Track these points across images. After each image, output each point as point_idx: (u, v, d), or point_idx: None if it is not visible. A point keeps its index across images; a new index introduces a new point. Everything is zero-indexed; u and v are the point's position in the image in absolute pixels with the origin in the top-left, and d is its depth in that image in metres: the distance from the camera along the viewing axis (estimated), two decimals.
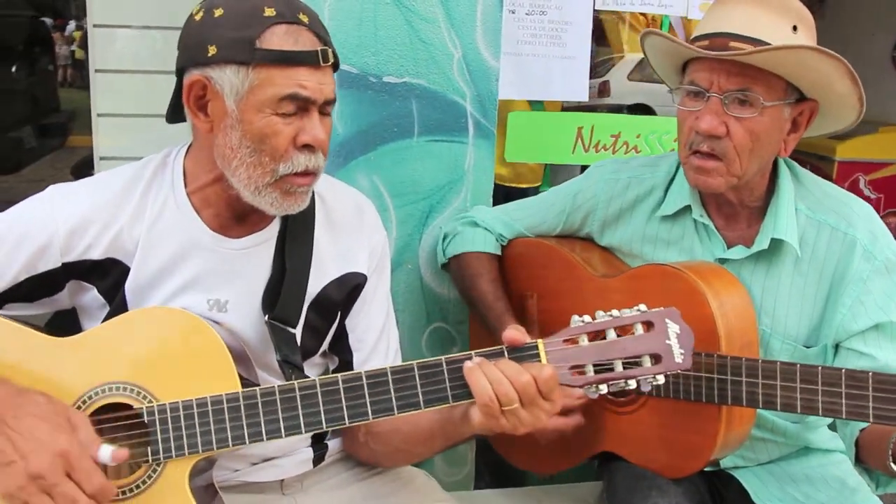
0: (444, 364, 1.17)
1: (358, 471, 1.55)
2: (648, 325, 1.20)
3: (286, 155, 1.24)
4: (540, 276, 1.77)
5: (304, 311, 1.38)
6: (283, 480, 1.47)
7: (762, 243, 1.51)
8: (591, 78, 2.45)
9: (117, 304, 1.30)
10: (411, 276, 2.06)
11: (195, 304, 1.30)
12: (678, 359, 1.19)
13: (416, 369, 1.17)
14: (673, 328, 1.20)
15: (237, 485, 1.42)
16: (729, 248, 1.57)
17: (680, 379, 1.47)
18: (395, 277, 2.05)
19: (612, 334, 1.19)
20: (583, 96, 2.40)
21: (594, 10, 2.33)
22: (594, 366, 1.18)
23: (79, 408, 1.21)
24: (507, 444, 1.89)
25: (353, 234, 1.45)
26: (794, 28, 1.41)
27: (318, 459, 1.50)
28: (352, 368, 1.45)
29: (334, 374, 1.21)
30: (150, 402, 1.21)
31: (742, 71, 1.39)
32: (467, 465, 2.24)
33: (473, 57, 1.97)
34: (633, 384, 1.19)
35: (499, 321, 1.71)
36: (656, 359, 1.19)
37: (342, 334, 1.47)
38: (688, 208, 1.60)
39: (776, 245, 1.51)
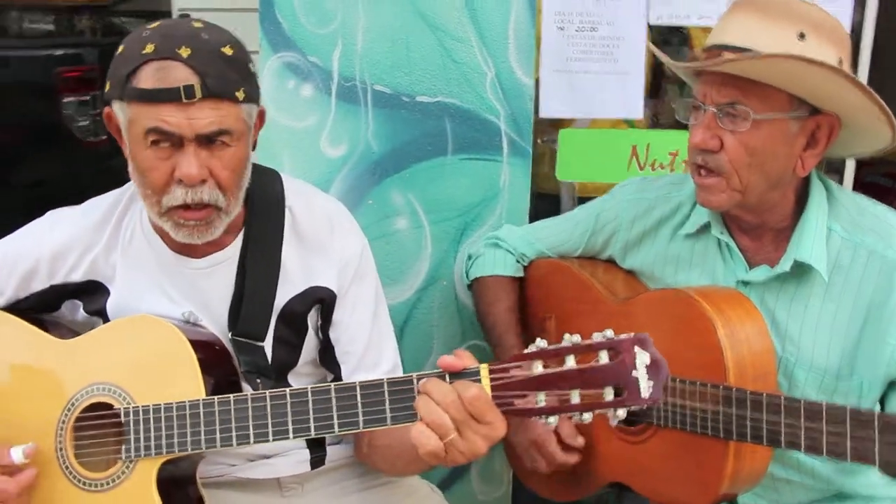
0: (385, 385, 1.16)
1: (362, 479, 1.58)
2: (614, 352, 1.09)
3: (166, 189, 1.27)
4: (559, 299, 1.74)
5: (272, 325, 1.42)
6: (279, 480, 1.51)
7: (784, 266, 1.42)
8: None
9: (104, 321, 1.42)
10: (446, 293, 2.07)
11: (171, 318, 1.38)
12: (644, 393, 1.07)
13: (358, 388, 1.17)
14: (642, 358, 1.07)
15: (234, 481, 1.49)
16: (752, 269, 1.48)
17: (687, 410, 1.40)
18: (430, 294, 2.08)
19: (570, 361, 1.10)
20: (637, 113, 2.33)
21: (648, 26, 2.27)
22: (546, 395, 1.09)
23: (73, 404, 1.32)
24: (523, 469, 1.86)
25: (320, 249, 1.46)
26: (802, 35, 1.31)
27: (316, 462, 1.53)
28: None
29: (304, 387, 1.23)
30: (129, 402, 1.29)
31: (732, 83, 1.33)
32: (504, 485, 2.21)
33: (507, 76, 1.97)
34: (587, 417, 1.09)
35: (504, 355, 1.69)
36: (619, 391, 1.08)
37: (328, 346, 1.49)
38: (708, 225, 1.53)
39: (802, 268, 1.42)
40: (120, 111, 1.28)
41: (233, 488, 1.49)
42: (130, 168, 1.32)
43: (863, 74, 2.43)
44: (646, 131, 2.38)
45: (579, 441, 1.59)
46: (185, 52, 1.23)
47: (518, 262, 1.81)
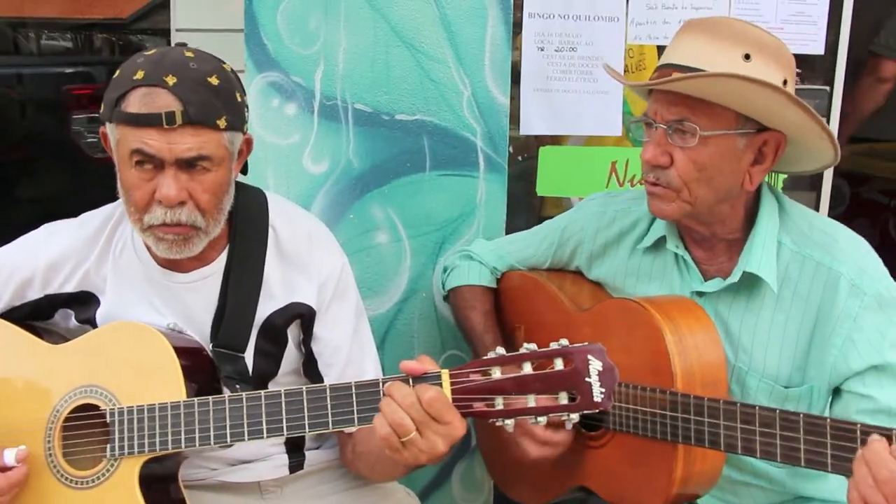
0: (353, 388, 1.23)
1: (340, 483, 1.64)
2: (568, 360, 1.18)
3: (148, 207, 1.35)
4: (527, 310, 1.81)
5: (253, 338, 1.50)
6: (259, 483, 1.58)
7: (735, 277, 1.48)
8: None
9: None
10: (425, 305, 2.14)
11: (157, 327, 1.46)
12: (597, 397, 1.16)
13: (327, 391, 1.24)
14: (595, 365, 1.17)
15: (216, 484, 1.56)
16: (707, 280, 1.54)
17: (639, 414, 1.46)
18: (410, 306, 2.14)
19: (528, 367, 1.18)
20: (616, 131, 2.40)
21: (626, 45, 2.34)
22: (504, 398, 1.17)
23: (62, 406, 1.40)
24: (499, 473, 1.92)
25: (300, 267, 1.54)
26: (747, 56, 1.37)
27: (295, 467, 1.60)
28: None
29: (277, 389, 1.31)
30: (114, 404, 1.36)
31: (681, 101, 1.39)
32: (484, 493, 2.27)
33: (483, 95, 2.05)
34: (542, 420, 1.17)
35: (484, 355, 1.74)
36: (572, 396, 1.17)
37: (311, 360, 1.56)
38: (664, 239, 1.59)
39: (753, 280, 1.47)
40: (110, 132, 1.37)
41: (214, 491, 1.56)
42: (119, 185, 1.41)
43: (837, 94, 2.50)
44: (625, 148, 2.44)
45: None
46: (171, 80, 1.31)
47: (491, 273, 1.88)
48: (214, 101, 1.34)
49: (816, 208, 2.70)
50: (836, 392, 1.44)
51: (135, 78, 1.32)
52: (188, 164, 1.34)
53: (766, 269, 1.46)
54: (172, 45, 1.45)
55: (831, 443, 1.22)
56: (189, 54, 1.37)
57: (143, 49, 1.42)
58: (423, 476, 2.23)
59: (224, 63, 1.41)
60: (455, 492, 2.26)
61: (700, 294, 1.54)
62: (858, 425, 1.20)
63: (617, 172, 2.39)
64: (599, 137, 2.47)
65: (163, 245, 1.39)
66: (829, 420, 1.23)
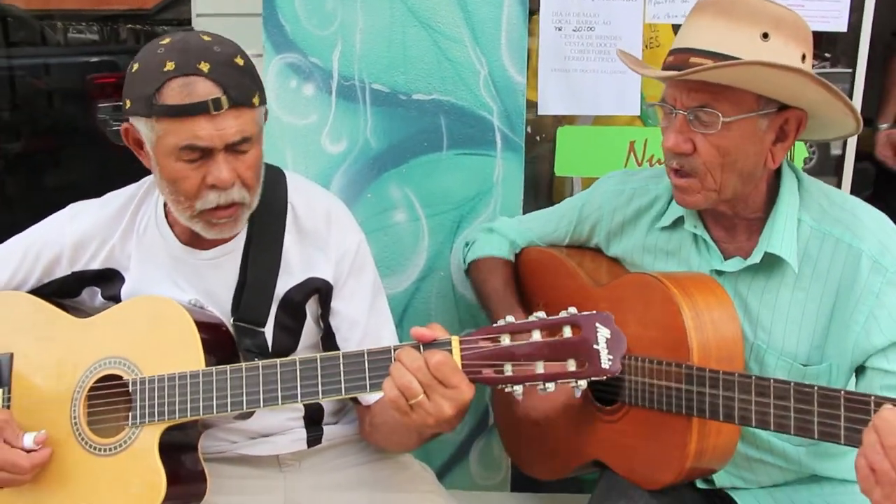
0: (365, 355, 1.26)
1: (357, 457, 1.67)
2: (577, 328, 1.19)
3: (199, 194, 1.37)
4: (546, 285, 1.81)
5: (273, 312, 1.52)
6: (278, 457, 1.61)
7: (755, 258, 1.47)
8: None
9: None
10: (443, 284, 2.16)
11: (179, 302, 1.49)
12: (605, 364, 1.17)
13: (340, 358, 1.27)
14: (603, 332, 1.18)
15: (235, 457, 1.59)
16: (726, 260, 1.53)
17: (654, 388, 1.46)
18: (428, 285, 2.16)
19: (537, 335, 1.19)
20: (634, 111, 2.38)
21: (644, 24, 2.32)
22: (513, 365, 1.19)
23: (87, 376, 1.44)
24: (515, 449, 1.94)
25: (318, 243, 1.56)
26: (765, 35, 1.35)
27: (313, 441, 1.63)
28: None
29: (292, 357, 1.33)
30: (136, 374, 1.40)
31: (702, 87, 1.36)
32: (502, 471, 2.28)
33: (499, 74, 2.05)
34: (551, 387, 1.18)
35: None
36: (581, 363, 1.18)
37: (330, 334, 1.59)
38: (682, 219, 1.58)
39: (772, 259, 1.46)
40: (145, 127, 1.36)
41: (234, 463, 1.59)
42: (157, 178, 1.42)
43: (860, 74, 2.46)
44: (644, 128, 2.42)
45: None
46: (205, 67, 1.32)
47: (510, 246, 1.89)
48: (246, 80, 1.37)
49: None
50: (860, 370, 1.43)
51: (165, 70, 1.31)
52: (233, 147, 1.36)
53: (788, 250, 1.44)
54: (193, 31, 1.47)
55: (845, 415, 1.21)
56: (207, 38, 1.38)
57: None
58: (441, 454, 2.25)
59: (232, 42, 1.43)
60: (473, 469, 2.27)
61: (719, 273, 1.53)
62: (872, 397, 1.19)
63: (635, 152, 2.38)
64: (608, 117, 2.45)
65: (215, 230, 1.43)
66: (842, 392, 1.22)
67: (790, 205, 1.47)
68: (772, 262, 1.47)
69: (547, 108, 2.31)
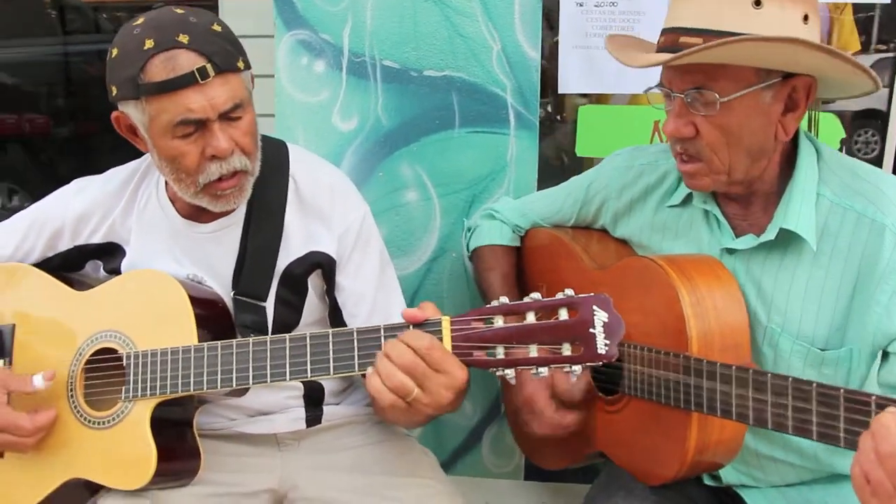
0: (354, 334, 1.23)
1: (357, 439, 1.65)
2: (573, 310, 1.14)
3: (200, 168, 1.36)
4: (550, 269, 1.76)
5: (274, 287, 1.51)
6: (276, 436, 1.60)
7: (770, 234, 1.38)
8: None
9: None
10: (455, 264, 2.12)
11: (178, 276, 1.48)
12: (601, 349, 1.12)
13: (330, 336, 1.24)
14: (600, 316, 1.12)
15: (234, 434, 1.59)
16: (738, 236, 1.46)
17: (653, 378, 1.39)
18: (439, 265, 2.13)
19: (531, 317, 1.14)
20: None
21: None
22: (506, 348, 1.14)
23: (84, 349, 1.45)
24: (522, 438, 1.89)
25: (321, 217, 1.54)
26: (757, 3, 1.25)
27: (312, 421, 1.62)
28: None
29: (283, 335, 1.31)
30: (131, 348, 1.40)
31: (695, 68, 1.28)
32: (515, 458, 2.24)
33: (513, 49, 2.00)
34: (543, 371, 1.13)
35: None
36: (576, 347, 1.13)
37: (336, 309, 1.57)
38: (692, 196, 1.51)
39: (788, 235, 1.37)
40: (136, 111, 1.35)
41: (232, 441, 1.59)
42: (156, 160, 1.42)
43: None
44: None
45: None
46: (185, 39, 1.30)
47: (513, 232, 1.84)
48: (228, 46, 1.35)
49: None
50: (884, 356, 1.34)
51: (146, 48, 1.30)
52: (227, 115, 1.35)
53: (805, 226, 1.35)
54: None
55: (844, 415, 1.12)
56: (180, 11, 1.36)
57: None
58: (453, 440, 2.22)
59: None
60: (485, 457, 2.24)
61: (731, 251, 1.45)
62: (873, 397, 1.10)
63: (660, 132, 2.30)
64: (641, 95, 2.37)
65: (221, 202, 1.42)
66: (842, 391, 1.13)
67: (808, 178, 1.38)
68: (787, 239, 1.38)
69: (568, 86, 2.24)
